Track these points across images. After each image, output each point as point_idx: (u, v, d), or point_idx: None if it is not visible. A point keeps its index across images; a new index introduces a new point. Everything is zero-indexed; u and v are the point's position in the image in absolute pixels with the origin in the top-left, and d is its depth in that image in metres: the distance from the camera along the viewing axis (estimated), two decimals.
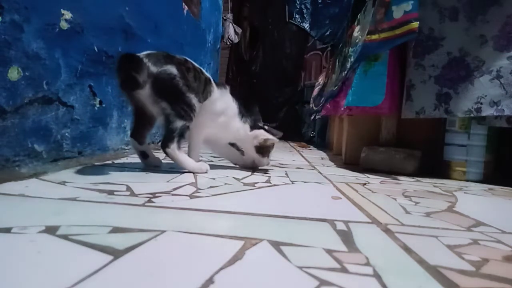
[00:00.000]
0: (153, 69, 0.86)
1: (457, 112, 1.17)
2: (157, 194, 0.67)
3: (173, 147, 0.90)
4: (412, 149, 1.29)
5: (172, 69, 0.88)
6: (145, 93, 0.85)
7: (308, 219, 0.57)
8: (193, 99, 0.92)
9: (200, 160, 0.95)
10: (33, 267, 0.34)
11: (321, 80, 2.56)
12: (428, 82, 1.22)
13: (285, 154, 1.87)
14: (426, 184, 1.08)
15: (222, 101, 1.06)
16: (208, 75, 1.02)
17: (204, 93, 0.98)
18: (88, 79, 1.03)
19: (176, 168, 0.97)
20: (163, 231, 0.45)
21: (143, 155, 0.99)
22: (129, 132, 1.10)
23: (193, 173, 0.94)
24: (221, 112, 1.06)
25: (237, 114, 1.08)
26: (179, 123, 0.89)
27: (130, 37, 1.26)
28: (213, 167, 1.08)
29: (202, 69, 1.00)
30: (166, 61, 0.88)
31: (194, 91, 0.92)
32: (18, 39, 0.76)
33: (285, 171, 1.16)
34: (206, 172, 0.95)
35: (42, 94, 0.85)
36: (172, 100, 0.88)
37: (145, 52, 0.89)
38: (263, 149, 1.09)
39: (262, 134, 1.07)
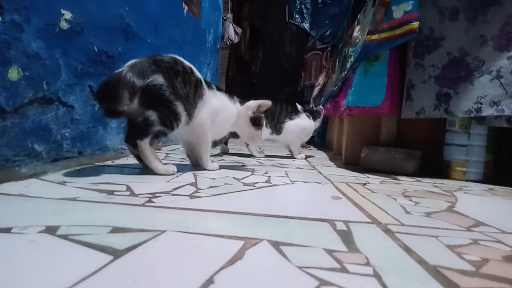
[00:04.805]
0: (139, 82, 0.83)
1: (457, 112, 1.17)
2: (157, 194, 0.67)
3: (145, 141, 0.87)
4: (412, 149, 1.29)
5: (159, 79, 0.85)
6: (133, 107, 0.84)
7: (308, 219, 0.57)
8: (179, 107, 0.90)
9: (168, 163, 0.95)
10: (33, 267, 0.34)
11: (321, 80, 2.56)
12: (428, 82, 1.22)
13: (284, 154, 1.87)
14: (426, 184, 1.08)
15: (216, 99, 1.06)
16: (199, 75, 0.99)
17: (195, 96, 0.96)
18: (88, 79, 1.03)
19: (176, 168, 0.97)
20: (163, 231, 0.45)
21: (140, 158, 0.98)
22: None
23: (159, 174, 0.90)
24: (219, 110, 1.06)
25: (228, 101, 1.12)
26: (159, 127, 0.88)
27: (130, 37, 1.26)
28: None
29: (193, 68, 0.97)
30: (152, 69, 0.85)
31: (181, 98, 0.90)
32: (18, 39, 0.76)
33: (285, 171, 1.16)
34: (173, 174, 0.92)
35: (42, 94, 0.85)
36: (159, 108, 0.86)
37: (130, 62, 0.86)
38: (257, 120, 1.17)
39: (252, 102, 1.16)
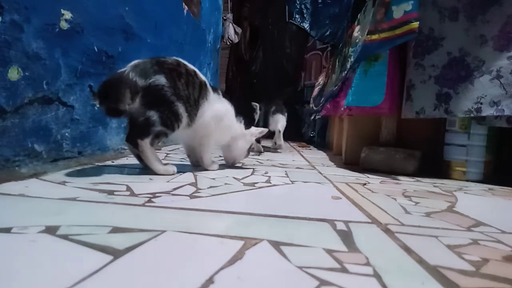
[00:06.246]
0: (141, 82, 0.83)
1: (457, 112, 1.17)
2: (157, 194, 0.67)
3: (146, 141, 0.87)
4: (412, 149, 1.29)
5: (161, 79, 0.85)
6: (134, 106, 0.84)
7: (308, 219, 0.57)
8: (181, 108, 0.89)
9: (168, 163, 0.95)
10: (33, 267, 0.34)
11: (321, 80, 2.56)
12: (428, 82, 1.22)
13: (285, 154, 1.87)
14: (426, 184, 1.08)
15: (221, 104, 1.05)
16: (203, 78, 0.99)
17: (199, 98, 0.96)
18: (88, 79, 1.03)
19: (176, 168, 0.97)
20: (163, 231, 0.45)
21: (140, 157, 0.98)
22: None
23: (159, 174, 0.90)
24: (223, 115, 1.05)
25: (234, 116, 1.12)
26: (160, 127, 0.88)
27: (130, 37, 1.26)
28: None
29: (196, 71, 0.97)
30: (155, 70, 0.86)
31: (182, 99, 0.90)
32: (18, 39, 0.76)
33: (285, 171, 1.16)
34: (173, 174, 0.92)
35: (42, 94, 0.85)
36: (160, 109, 0.86)
37: (133, 62, 0.86)
38: (251, 147, 1.23)
39: (257, 130, 1.21)
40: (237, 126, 1.13)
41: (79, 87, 0.99)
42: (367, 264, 0.39)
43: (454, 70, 1.18)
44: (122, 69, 0.85)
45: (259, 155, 1.74)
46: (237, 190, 0.78)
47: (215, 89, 1.05)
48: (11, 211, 0.52)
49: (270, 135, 2.05)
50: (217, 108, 1.03)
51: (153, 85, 0.85)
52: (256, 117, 1.99)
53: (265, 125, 1.96)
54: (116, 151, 1.24)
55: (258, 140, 1.84)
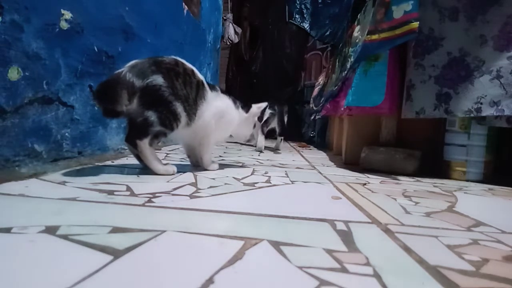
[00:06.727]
0: (138, 82, 0.83)
1: (457, 112, 1.17)
2: (157, 194, 0.67)
3: (145, 141, 0.87)
4: (412, 149, 1.29)
5: (158, 79, 0.85)
6: (132, 107, 0.84)
7: (308, 219, 0.57)
8: (179, 108, 0.89)
9: (168, 163, 0.96)
10: (33, 267, 0.34)
11: (321, 80, 2.56)
12: (428, 82, 1.22)
13: (285, 154, 1.87)
14: (426, 184, 1.08)
15: (220, 101, 1.05)
16: (200, 77, 0.99)
17: (197, 98, 0.96)
18: (88, 79, 1.03)
19: (176, 168, 0.97)
20: (163, 231, 0.45)
21: (140, 158, 0.98)
22: None
23: (159, 174, 0.91)
24: (223, 112, 1.05)
25: (234, 108, 1.12)
26: (159, 127, 0.88)
27: (130, 37, 1.26)
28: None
29: (194, 70, 0.97)
30: (152, 70, 0.85)
31: (181, 99, 0.90)
32: (18, 39, 0.76)
33: (285, 171, 1.16)
34: (173, 174, 0.92)
35: (42, 94, 0.85)
36: (158, 109, 0.86)
37: (131, 63, 0.86)
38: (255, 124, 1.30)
39: (256, 108, 1.25)
40: (237, 115, 1.13)
41: (79, 87, 0.99)
42: (367, 264, 0.39)
43: (454, 70, 1.18)
44: (120, 70, 0.84)
45: (258, 155, 1.75)
46: (237, 190, 0.78)
47: (212, 87, 1.05)
48: (11, 211, 0.52)
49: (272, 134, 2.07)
50: (217, 105, 1.03)
51: (151, 85, 0.84)
52: None
53: (283, 126, 2.02)
54: (116, 151, 1.24)
55: (263, 131, 1.90)
